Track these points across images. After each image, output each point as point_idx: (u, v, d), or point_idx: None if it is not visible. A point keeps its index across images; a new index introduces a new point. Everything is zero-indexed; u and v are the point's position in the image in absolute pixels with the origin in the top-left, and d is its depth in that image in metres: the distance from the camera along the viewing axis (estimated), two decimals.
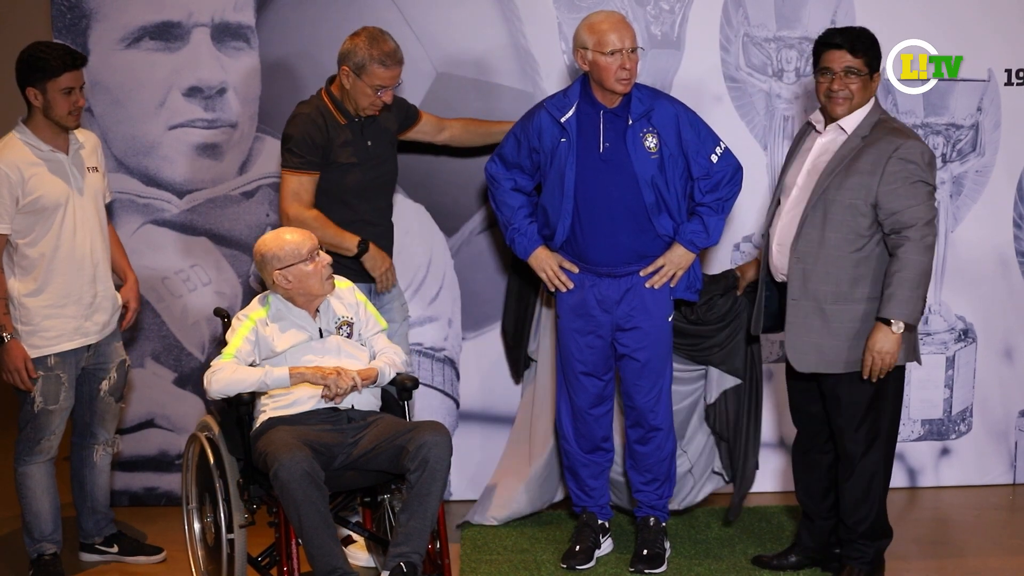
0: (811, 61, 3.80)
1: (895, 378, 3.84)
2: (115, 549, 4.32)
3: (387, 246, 4.28)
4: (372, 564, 4.16)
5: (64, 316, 4.00)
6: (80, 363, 4.10)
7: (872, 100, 3.82)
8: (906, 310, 3.66)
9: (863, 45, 3.75)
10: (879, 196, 3.69)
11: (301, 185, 4.08)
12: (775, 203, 3.97)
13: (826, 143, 3.83)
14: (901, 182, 3.68)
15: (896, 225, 3.68)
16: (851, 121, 3.79)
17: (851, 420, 3.85)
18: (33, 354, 3.97)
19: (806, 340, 3.81)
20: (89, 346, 4.10)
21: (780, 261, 3.86)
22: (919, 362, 3.94)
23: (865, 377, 3.73)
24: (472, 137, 4.53)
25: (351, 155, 4.13)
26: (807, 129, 3.95)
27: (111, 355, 4.19)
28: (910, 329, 3.71)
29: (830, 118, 3.83)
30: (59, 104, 3.94)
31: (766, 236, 3.98)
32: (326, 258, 3.81)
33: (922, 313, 3.74)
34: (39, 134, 3.98)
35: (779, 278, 3.89)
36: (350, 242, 4.11)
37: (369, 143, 4.18)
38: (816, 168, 3.81)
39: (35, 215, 3.94)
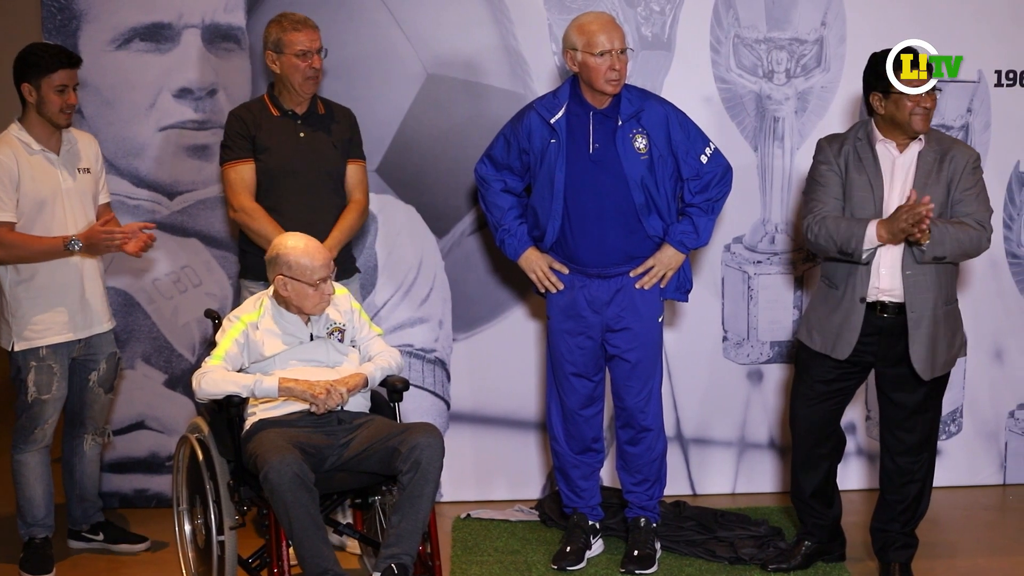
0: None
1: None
2: (100, 537, 4.41)
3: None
4: None
5: (54, 310, 4.08)
6: (72, 354, 4.18)
7: None
8: (944, 243, 3.73)
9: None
10: (954, 197, 3.83)
11: (239, 175, 4.16)
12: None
13: (903, 158, 3.88)
14: (974, 189, 3.84)
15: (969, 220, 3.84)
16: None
17: (926, 420, 3.96)
18: (24, 346, 4.07)
19: (930, 349, 3.87)
20: (80, 339, 4.16)
21: (890, 282, 3.86)
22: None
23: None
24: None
25: (278, 139, 4.18)
26: (862, 150, 3.90)
27: (102, 347, 4.26)
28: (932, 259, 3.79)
29: (902, 137, 3.86)
30: (51, 101, 4.04)
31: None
32: (329, 288, 3.78)
33: (937, 257, 3.78)
34: (32, 132, 4.08)
35: (885, 298, 3.87)
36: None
37: (302, 134, 4.20)
38: (906, 187, 3.85)
39: (25, 208, 4.02)
